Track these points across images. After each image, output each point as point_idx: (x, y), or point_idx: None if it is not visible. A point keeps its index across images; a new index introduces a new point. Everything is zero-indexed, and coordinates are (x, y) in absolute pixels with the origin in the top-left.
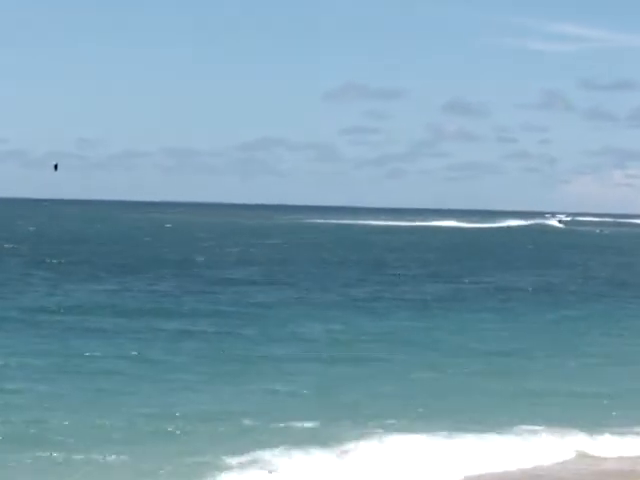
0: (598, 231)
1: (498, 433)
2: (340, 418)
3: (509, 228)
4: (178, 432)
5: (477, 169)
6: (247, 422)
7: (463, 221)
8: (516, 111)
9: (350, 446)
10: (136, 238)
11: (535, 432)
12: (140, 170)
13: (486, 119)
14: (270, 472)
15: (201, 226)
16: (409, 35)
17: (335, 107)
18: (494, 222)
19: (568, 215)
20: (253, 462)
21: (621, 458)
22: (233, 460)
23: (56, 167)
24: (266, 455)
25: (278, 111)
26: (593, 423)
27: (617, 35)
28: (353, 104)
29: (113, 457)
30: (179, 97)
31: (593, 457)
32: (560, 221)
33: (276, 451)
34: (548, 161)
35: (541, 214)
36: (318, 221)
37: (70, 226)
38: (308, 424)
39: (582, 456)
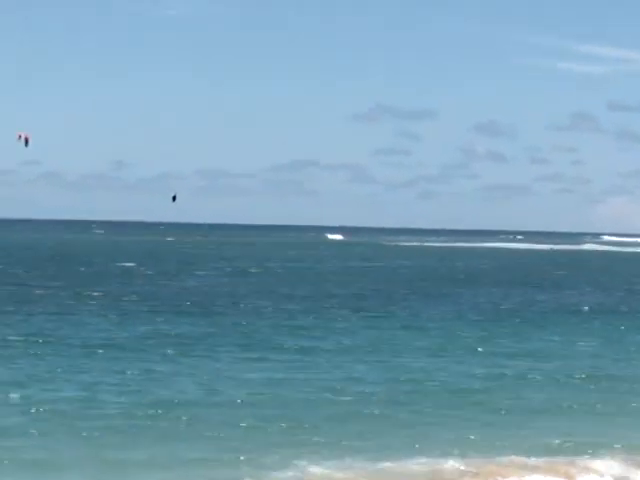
0: None
1: None
2: None
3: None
4: None
5: (509, 190)
6: None
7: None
8: (546, 132)
9: None
10: None
11: None
12: (175, 192)
13: (517, 140)
14: None
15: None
16: (439, 56)
17: (366, 128)
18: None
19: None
20: None
21: None
22: None
23: (174, 198)
24: None
25: (310, 133)
26: None
27: None
28: (384, 125)
29: None
30: (213, 119)
31: None
32: None
33: None
34: (580, 182)
35: (578, 235)
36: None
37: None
38: None
39: None
